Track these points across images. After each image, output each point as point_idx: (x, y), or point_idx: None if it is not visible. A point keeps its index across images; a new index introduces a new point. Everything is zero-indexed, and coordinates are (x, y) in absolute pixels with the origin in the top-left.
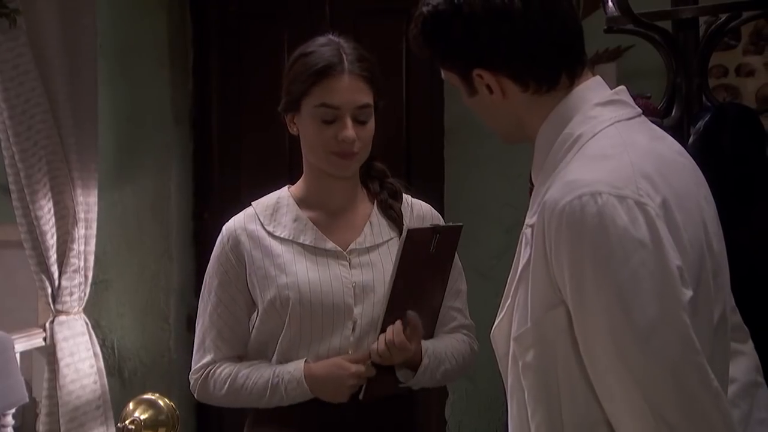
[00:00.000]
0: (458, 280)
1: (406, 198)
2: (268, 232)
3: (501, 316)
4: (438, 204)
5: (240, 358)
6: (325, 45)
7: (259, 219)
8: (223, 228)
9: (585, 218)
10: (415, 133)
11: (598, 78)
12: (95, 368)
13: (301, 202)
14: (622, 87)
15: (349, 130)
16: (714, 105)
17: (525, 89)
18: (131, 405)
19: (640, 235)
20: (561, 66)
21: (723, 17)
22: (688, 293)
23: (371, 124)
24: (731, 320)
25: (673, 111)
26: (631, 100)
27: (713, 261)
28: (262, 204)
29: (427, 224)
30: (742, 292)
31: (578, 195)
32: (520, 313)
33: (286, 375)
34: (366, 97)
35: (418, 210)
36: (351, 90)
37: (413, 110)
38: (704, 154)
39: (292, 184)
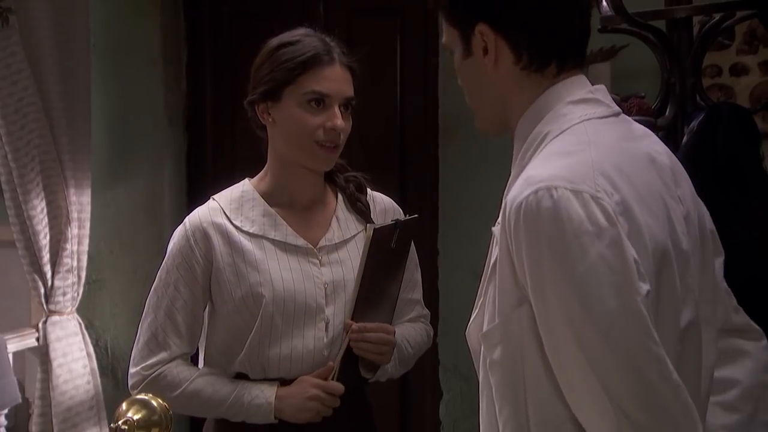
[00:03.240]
0: (414, 271)
1: (369, 191)
2: (236, 227)
3: (475, 313)
4: (433, 203)
5: (190, 356)
6: (310, 35)
7: (224, 213)
8: (186, 220)
9: (541, 212)
10: (410, 132)
11: (581, 77)
12: (88, 368)
13: (267, 196)
14: (600, 86)
15: (339, 119)
16: (708, 104)
17: (517, 61)
18: (124, 405)
19: (596, 227)
20: (556, 49)
21: (717, 17)
22: (645, 287)
23: (350, 120)
24: (734, 321)
25: (667, 110)
26: (608, 99)
27: (681, 261)
28: (225, 197)
29: (389, 219)
30: (735, 291)
31: (534, 190)
32: (490, 311)
33: (254, 390)
34: (352, 91)
35: (380, 204)
36: (341, 80)
37: (408, 109)
38: (698, 154)
39: (251, 177)
